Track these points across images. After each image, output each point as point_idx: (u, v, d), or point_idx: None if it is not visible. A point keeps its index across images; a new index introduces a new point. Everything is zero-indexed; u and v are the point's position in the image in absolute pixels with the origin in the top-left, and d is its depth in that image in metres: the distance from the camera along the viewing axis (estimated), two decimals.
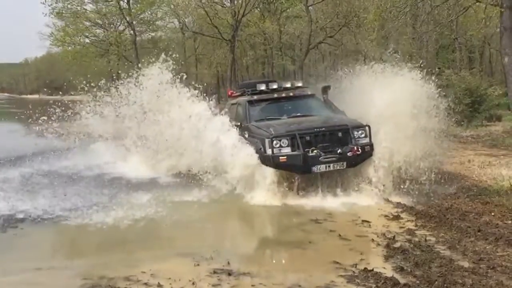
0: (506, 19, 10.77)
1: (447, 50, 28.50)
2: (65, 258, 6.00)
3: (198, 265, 5.18)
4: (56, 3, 29.00)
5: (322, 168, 7.63)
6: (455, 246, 5.40)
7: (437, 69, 26.39)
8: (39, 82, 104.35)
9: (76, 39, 30.46)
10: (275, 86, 9.81)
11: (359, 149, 7.74)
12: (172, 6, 30.37)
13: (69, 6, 29.43)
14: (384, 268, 4.88)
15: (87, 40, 31.22)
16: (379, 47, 22.32)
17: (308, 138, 7.81)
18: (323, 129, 7.97)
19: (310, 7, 26.15)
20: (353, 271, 4.84)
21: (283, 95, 9.60)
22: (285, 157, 7.68)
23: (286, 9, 31.48)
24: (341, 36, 26.72)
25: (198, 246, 5.83)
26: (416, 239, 5.67)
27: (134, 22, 30.34)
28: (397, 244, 5.54)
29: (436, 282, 4.41)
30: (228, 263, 5.18)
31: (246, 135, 8.46)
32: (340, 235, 6.01)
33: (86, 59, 30.67)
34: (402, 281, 4.52)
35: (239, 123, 8.94)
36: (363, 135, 7.98)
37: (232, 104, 10.33)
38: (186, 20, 32.09)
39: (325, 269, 5.00)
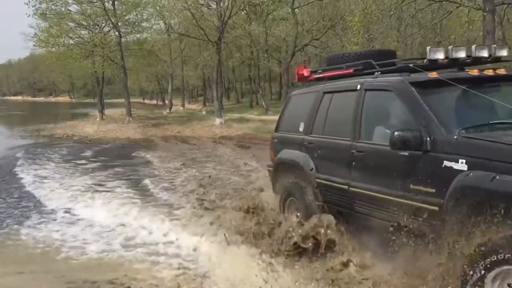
0: (488, 22, 10.94)
1: None
2: (47, 261, 5.91)
3: (182, 269, 5.16)
4: (40, 3, 28.60)
5: None
6: None
7: None
8: (23, 84, 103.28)
9: (60, 40, 30.04)
10: (462, 54, 4.52)
11: None
12: (157, 8, 30.20)
13: (53, 7, 29.04)
14: None
15: (71, 41, 30.78)
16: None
17: None
18: None
19: (296, 10, 26.26)
20: None
21: (488, 73, 4.49)
22: None
23: (272, 12, 31.51)
24: (327, 39, 26.88)
25: None
26: None
27: (119, 24, 30.08)
28: None
29: None
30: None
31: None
32: None
33: (70, 60, 30.28)
34: None
35: (415, 134, 3.83)
36: None
37: (327, 92, 5.45)
38: (172, 21, 31.91)
39: None
